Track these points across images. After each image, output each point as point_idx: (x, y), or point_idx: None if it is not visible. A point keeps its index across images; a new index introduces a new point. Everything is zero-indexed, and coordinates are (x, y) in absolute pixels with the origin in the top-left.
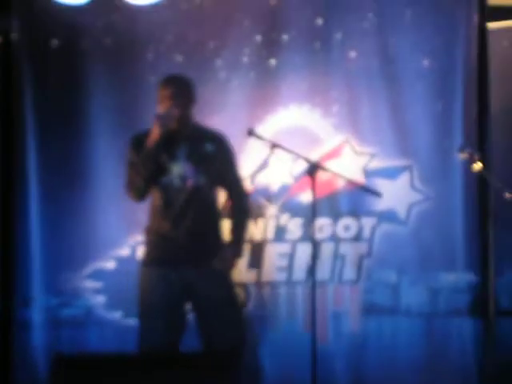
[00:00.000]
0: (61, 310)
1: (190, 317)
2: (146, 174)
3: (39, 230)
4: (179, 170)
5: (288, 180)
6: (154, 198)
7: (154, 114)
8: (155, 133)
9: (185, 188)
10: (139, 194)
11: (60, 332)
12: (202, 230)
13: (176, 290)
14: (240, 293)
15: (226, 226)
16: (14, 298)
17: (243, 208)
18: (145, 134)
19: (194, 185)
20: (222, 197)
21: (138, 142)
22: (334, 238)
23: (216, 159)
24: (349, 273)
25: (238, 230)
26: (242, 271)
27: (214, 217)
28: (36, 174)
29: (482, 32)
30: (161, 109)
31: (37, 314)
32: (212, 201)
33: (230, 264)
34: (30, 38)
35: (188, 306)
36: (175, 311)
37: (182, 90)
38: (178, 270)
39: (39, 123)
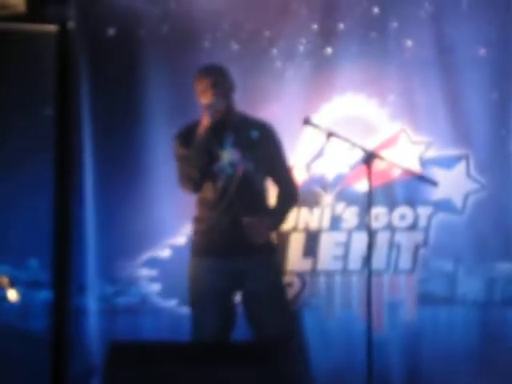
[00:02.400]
0: (116, 297)
1: (240, 306)
2: (200, 165)
3: (95, 217)
4: (228, 156)
5: (344, 169)
6: (204, 187)
7: (199, 105)
8: (205, 123)
9: (235, 175)
10: (195, 186)
11: (115, 320)
12: (251, 217)
13: (226, 280)
14: (295, 281)
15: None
16: (69, 285)
17: (290, 195)
18: (189, 128)
19: (244, 171)
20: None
21: (184, 136)
22: (390, 227)
23: (261, 146)
24: (404, 262)
25: (279, 209)
26: (297, 260)
27: (262, 204)
28: (92, 163)
29: None
30: (204, 99)
31: (92, 302)
32: (260, 187)
33: (261, 233)
34: (86, 26)
35: (237, 296)
36: (226, 301)
37: (223, 79)
38: (227, 259)
39: (95, 112)
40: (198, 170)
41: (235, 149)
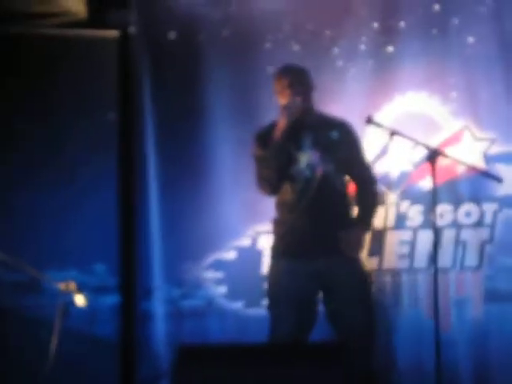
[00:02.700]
0: (182, 300)
1: (320, 307)
2: (277, 166)
3: (160, 220)
4: (307, 158)
5: (408, 167)
6: (282, 190)
7: (275, 105)
8: (282, 124)
9: (314, 177)
10: (272, 188)
11: (182, 323)
12: (331, 218)
13: (305, 282)
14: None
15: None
16: (136, 289)
17: (371, 193)
18: (268, 129)
19: (323, 173)
20: (350, 185)
21: (263, 137)
22: (456, 225)
23: (341, 146)
24: (471, 259)
25: (365, 211)
26: (363, 259)
27: (342, 205)
28: (156, 166)
29: None
30: (281, 99)
31: (159, 306)
32: (340, 188)
33: (356, 244)
34: (147, 30)
35: (319, 296)
36: (305, 303)
37: (301, 79)
38: (307, 261)
39: (158, 115)
40: (275, 172)
41: (314, 150)
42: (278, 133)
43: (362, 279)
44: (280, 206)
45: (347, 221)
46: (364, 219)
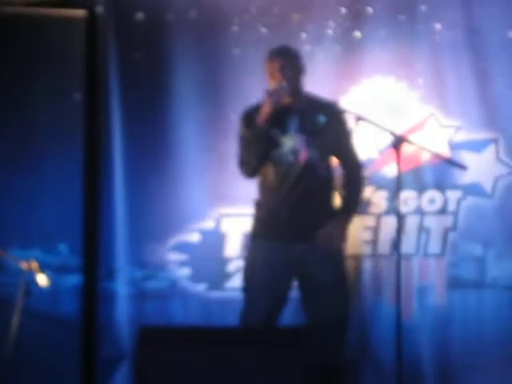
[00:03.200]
0: (145, 282)
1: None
2: (258, 151)
3: (124, 201)
4: (291, 143)
5: (373, 153)
6: (265, 173)
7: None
8: (266, 109)
9: (297, 162)
10: (251, 171)
11: (145, 304)
12: (312, 204)
13: (281, 266)
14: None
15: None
16: (99, 270)
17: (358, 177)
18: (255, 109)
19: (307, 158)
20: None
21: (249, 117)
22: (419, 211)
23: (328, 130)
24: (434, 246)
25: (351, 198)
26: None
27: (324, 192)
28: (121, 147)
29: None
30: (271, 82)
31: (122, 287)
32: (324, 174)
33: (340, 235)
34: (114, 11)
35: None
36: (279, 288)
37: (292, 62)
38: (285, 244)
39: (124, 96)
40: (255, 156)
41: (299, 135)
42: (261, 118)
43: (337, 268)
44: (262, 188)
45: (328, 208)
46: (349, 208)
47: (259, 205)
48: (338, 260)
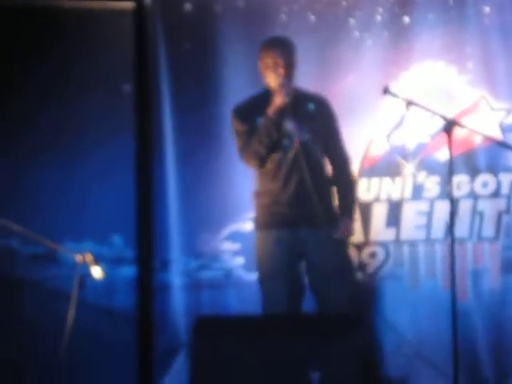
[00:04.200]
0: (200, 272)
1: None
2: (270, 142)
3: (177, 192)
4: (286, 128)
5: (424, 138)
6: (249, 164)
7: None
8: (279, 101)
9: (292, 146)
10: (262, 162)
11: (200, 294)
12: (310, 188)
13: (291, 251)
14: (378, 251)
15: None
16: (153, 261)
17: (345, 174)
18: (247, 103)
19: (301, 142)
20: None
21: (243, 111)
22: (472, 195)
23: (318, 119)
24: (488, 230)
25: (346, 199)
26: (380, 230)
27: (321, 175)
28: (173, 137)
29: None
30: (274, 76)
31: (176, 277)
32: (318, 159)
33: (347, 234)
34: (162, 2)
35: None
36: (294, 272)
37: (294, 57)
38: (291, 230)
39: (174, 86)
40: (267, 147)
41: (293, 121)
42: (273, 110)
43: (343, 256)
44: (261, 176)
45: (327, 191)
46: (346, 208)
47: (260, 193)
48: (343, 245)
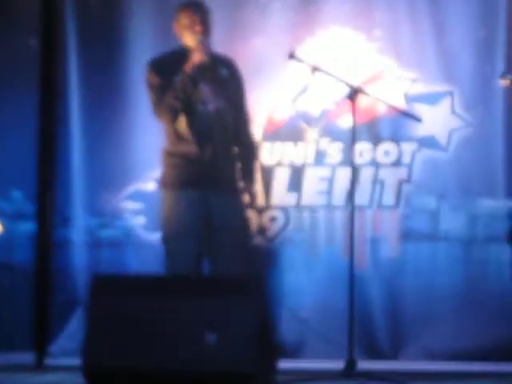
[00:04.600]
0: (100, 230)
1: None
2: (185, 98)
3: (80, 149)
4: (200, 94)
5: (329, 104)
6: (161, 120)
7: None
8: (197, 57)
9: (207, 112)
10: (175, 117)
11: (99, 252)
12: (225, 153)
13: (199, 213)
14: (279, 216)
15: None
16: (53, 217)
17: (250, 149)
18: (164, 57)
19: (216, 108)
20: None
21: (159, 64)
22: (374, 163)
23: (230, 85)
24: (388, 198)
25: (248, 176)
26: (281, 194)
27: (232, 141)
28: (77, 96)
29: None
30: (192, 34)
31: (76, 235)
32: (229, 125)
33: (251, 198)
34: None
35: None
36: (200, 234)
37: (208, 16)
38: (201, 193)
39: (81, 45)
40: (182, 102)
41: (207, 85)
42: (191, 65)
43: (241, 214)
44: (171, 137)
45: (234, 154)
46: (248, 172)
47: (169, 153)
48: (243, 208)
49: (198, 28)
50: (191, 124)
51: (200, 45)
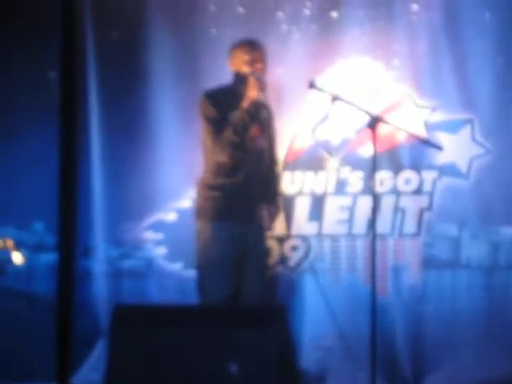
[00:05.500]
0: (122, 260)
1: None
2: (244, 133)
3: (101, 180)
4: (253, 131)
5: (349, 133)
6: (216, 153)
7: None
8: (254, 94)
9: (255, 149)
10: (236, 152)
11: (121, 283)
12: (259, 189)
13: (235, 244)
14: (300, 245)
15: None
16: (75, 248)
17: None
18: (220, 91)
19: (261, 147)
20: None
21: (215, 97)
22: (395, 191)
23: (270, 124)
24: (409, 226)
25: (271, 190)
26: (302, 224)
27: (271, 179)
28: (98, 127)
29: None
30: (248, 69)
31: (98, 265)
32: (270, 164)
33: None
34: None
35: None
36: (237, 265)
37: (266, 57)
38: (242, 225)
39: (101, 76)
40: (241, 137)
41: (255, 123)
42: (248, 101)
43: (266, 249)
44: (216, 170)
45: (272, 195)
46: (271, 198)
47: (212, 186)
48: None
49: (259, 65)
50: (234, 158)
51: (258, 82)
